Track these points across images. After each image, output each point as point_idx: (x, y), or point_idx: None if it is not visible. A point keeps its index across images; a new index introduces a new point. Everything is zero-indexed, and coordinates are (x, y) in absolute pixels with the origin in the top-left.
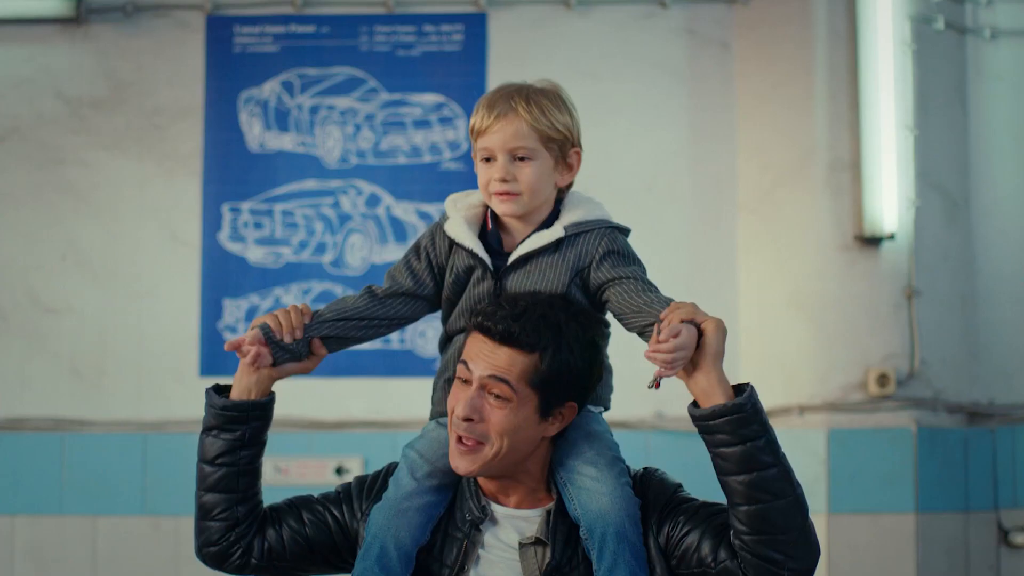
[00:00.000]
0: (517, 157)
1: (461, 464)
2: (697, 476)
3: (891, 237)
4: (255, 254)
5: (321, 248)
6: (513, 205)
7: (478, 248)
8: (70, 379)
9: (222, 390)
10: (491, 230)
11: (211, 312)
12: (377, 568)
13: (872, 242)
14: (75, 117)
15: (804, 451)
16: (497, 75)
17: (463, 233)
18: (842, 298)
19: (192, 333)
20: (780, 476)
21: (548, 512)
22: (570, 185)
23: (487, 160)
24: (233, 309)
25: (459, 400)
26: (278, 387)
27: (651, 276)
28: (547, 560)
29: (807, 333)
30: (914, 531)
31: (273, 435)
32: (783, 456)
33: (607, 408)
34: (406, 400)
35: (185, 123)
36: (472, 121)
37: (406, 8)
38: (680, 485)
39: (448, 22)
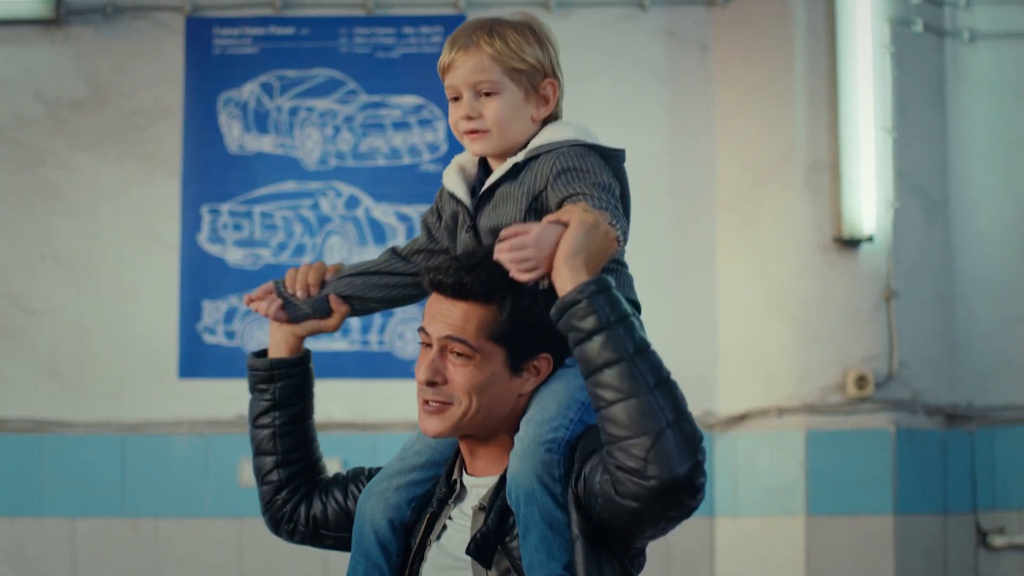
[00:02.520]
0: (482, 93)
1: (429, 425)
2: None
3: (870, 239)
4: (234, 256)
5: (300, 250)
6: (483, 143)
7: (459, 190)
8: (49, 380)
9: (263, 354)
10: (478, 174)
11: (190, 313)
12: (359, 553)
13: (851, 244)
14: (55, 118)
15: (783, 453)
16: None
17: (451, 179)
18: (821, 299)
19: (171, 334)
20: (622, 374)
21: (501, 477)
22: (555, 117)
23: (455, 100)
24: (212, 310)
25: (421, 365)
26: None
27: (636, 278)
28: (479, 526)
29: (786, 334)
30: (893, 533)
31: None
32: (632, 351)
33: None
34: (385, 402)
35: (165, 124)
36: (439, 59)
37: (385, 10)
38: None
39: (427, 24)
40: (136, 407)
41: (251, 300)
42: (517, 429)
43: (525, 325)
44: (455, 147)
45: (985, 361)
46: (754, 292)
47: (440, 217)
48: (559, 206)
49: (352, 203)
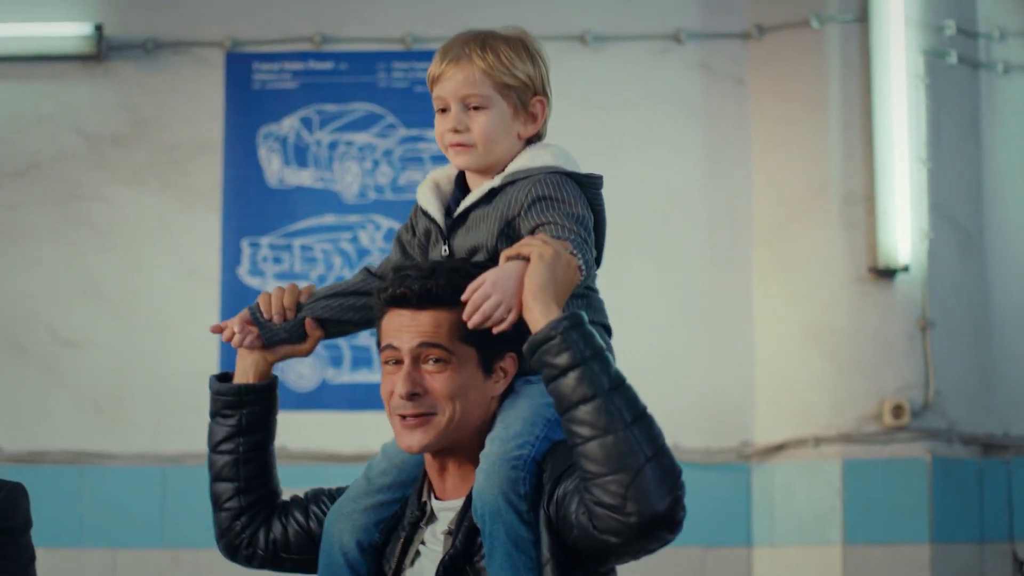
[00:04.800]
0: (471, 106)
1: (412, 440)
2: (717, 509)
3: (905, 269)
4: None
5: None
6: (468, 157)
7: (433, 209)
8: (90, 412)
9: (228, 377)
10: (454, 192)
11: (230, 346)
12: (327, 574)
13: (886, 274)
14: (95, 153)
15: (819, 482)
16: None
17: (425, 196)
18: (857, 330)
19: (212, 367)
20: (598, 410)
21: (467, 498)
22: (540, 137)
23: (443, 111)
24: None
25: (396, 380)
26: None
27: (665, 307)
28: (448, 549)
29: (822, 365)
30: (929, 562)
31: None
32: (616, 387)
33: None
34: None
35: (205, 159)
36: (429, 69)
37: (423, 44)
38: None
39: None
40: (176, 439)
41: (219, 330)
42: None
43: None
44: None
45: (1021, 390)
46: (790, 323)
47: (414, 233)
48: (531, 234)
49: (391, 236)
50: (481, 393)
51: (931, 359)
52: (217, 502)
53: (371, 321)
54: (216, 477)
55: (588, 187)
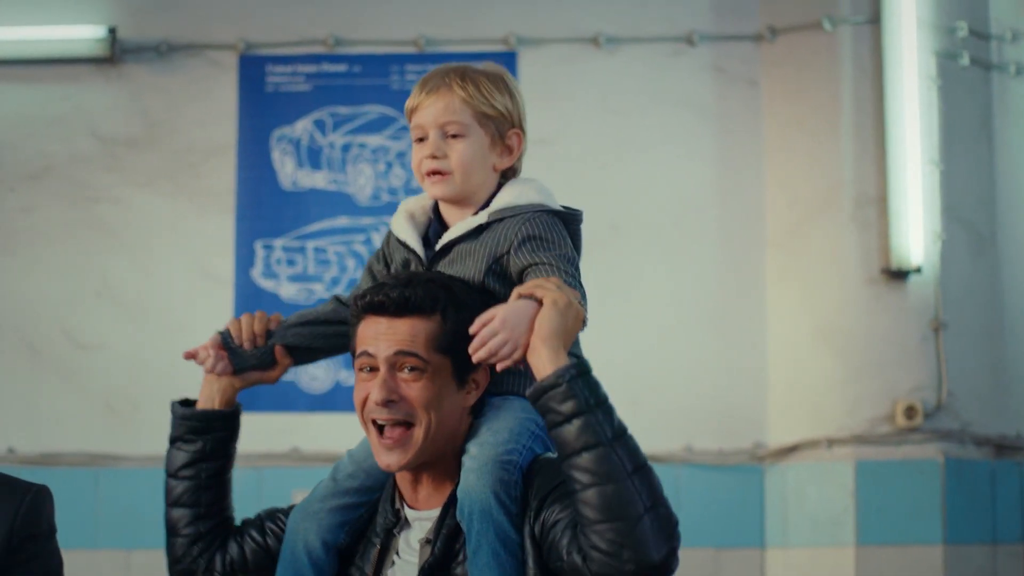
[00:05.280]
0: (449, 134)
1: (393, 458)
2: (730, 511)
3: (917, 270)
4: (288, 291)
5: (353, 285)
6: (444, 187)
7: (411, 240)
8: (104, 414)
9: (189, 403)
10: (432, 224)
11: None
12: (289, 571)
13: (899, 275)
14: (109, 155)
15: (832, 483)
16: (527, 112)
17: (401, 226)
18: (869, 331)
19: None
20: (605, 458)
21: (445, 506)
22: (514, 171)
23: (420, 141)
24: None
25: (371, 387)
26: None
27: (678, 309)
28: (427, 558)
29: (835, 366)
30: (942, 563)
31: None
32: (618, 437)
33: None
34: None
35: (218, 161)
36: (407, 102)
37: (436, 47)
38: None
39: (478, 60)
40: None
41: (193, 355)
42: (462, 452)
43: (465, 333)
44: None
45: None
46: (803, 324)
47: (388, 264)
48: (522, 272)
49: None
50: (454, 404)
51: (944, 360)
52: (174, 528)
53: (340, 348)
54: (175, 503)
55: (570, 223)
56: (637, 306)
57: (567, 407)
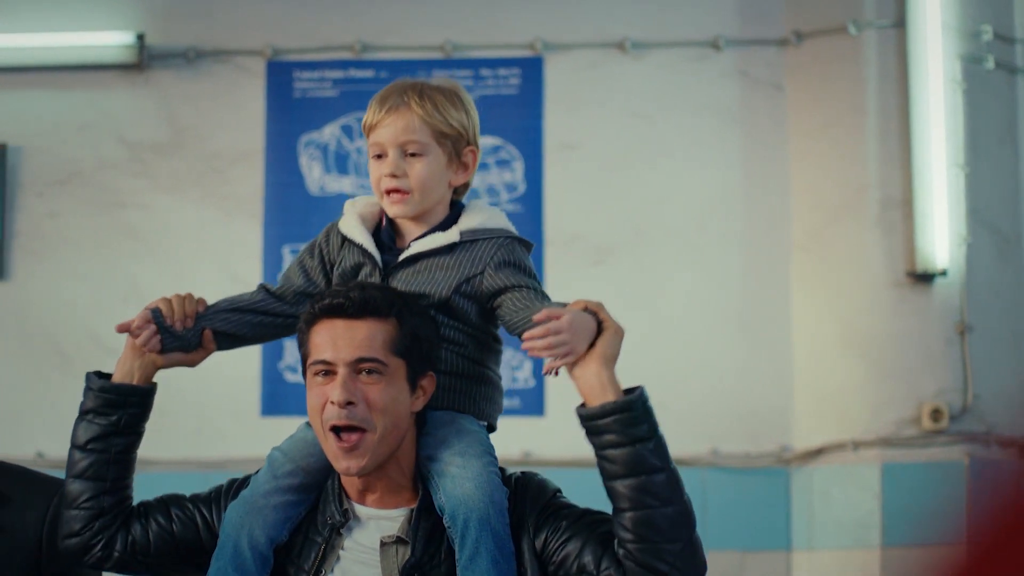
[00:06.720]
0: (408, 153)
1: (351, 463)
2: (756, 513)
3: (943, 273)
4: None
5: None
6: (404, 206)
7: (368, 244)
8: None
9: (104, 376)
10: (384, 227)
11: (272, 352)
12: (231, 568)
13: (924, 278)
14: (136, 161)
15: (858, 486)
16: (553, 117)
17: (355, 229)
18: (895, 334)
19: (253, 373)
20: (668, 482)
21: (412, 511)
22: (467, 187)
23: (378, 157)
24: (294, 349)
25: (329, 391)
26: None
27: (704, 313)
28: (407, 558)
29: (860, 369)
30: None
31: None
32: (673, 464)
33: (492, 427)
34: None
35: (245, 167)
36: (364, 118)
37: (463, 52)
38: (560, 490)
39: (505, 66)
40: (218, 445)
41: (127, 328)
42: (411, 457)
43: (419, 338)
44: (533, 187)
45: None
46: (828, 327)
47: (323, 261)
48: (499, 293)
49: None
50: (405, 407)
51: (969, 363)
52: (74, 500)
53: (263, 338)
54: (78, 475)
55: (528, 251)
56: (663, 310)
57: (642, 430)
